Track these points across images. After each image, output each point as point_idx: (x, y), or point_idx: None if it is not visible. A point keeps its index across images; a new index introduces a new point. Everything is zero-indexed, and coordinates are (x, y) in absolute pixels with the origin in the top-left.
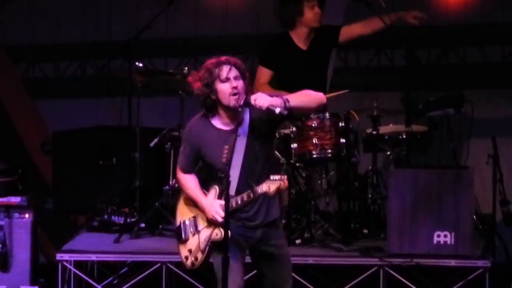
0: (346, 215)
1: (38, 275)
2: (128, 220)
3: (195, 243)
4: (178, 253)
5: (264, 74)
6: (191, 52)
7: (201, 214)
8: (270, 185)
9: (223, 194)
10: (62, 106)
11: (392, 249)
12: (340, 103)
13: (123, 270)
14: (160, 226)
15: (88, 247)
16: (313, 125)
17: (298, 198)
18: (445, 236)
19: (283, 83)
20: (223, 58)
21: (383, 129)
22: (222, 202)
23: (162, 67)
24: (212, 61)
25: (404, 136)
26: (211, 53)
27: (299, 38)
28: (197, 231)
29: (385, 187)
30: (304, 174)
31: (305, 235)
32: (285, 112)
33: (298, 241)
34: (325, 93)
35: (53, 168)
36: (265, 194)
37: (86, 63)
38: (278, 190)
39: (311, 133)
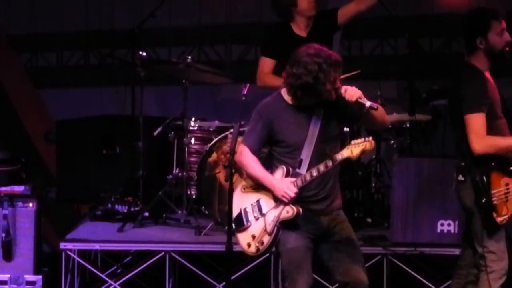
0: (349, 204)
1: (41, 264)
2: (132, 209)
3: (260, 227)
4: (236, 242)
5: (267, 64)
6: (195, 41)
7: (265, 197)
8: (353, 149)
9: (292, 173)
10: (65, 95)
11: (396, 238)
12: None
13: (126, 259)
14: (164, 215)
15: (92, 236)
16: None
17: None
18: (449, 225)
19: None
20: (336, 59)
21: None
22: (292, 179)
23: (166, 56)
24: (325, 56)
25: (407, 125)
26: (215, 42)
27: (299, 27)
28: (262, 214)
29: (388, 176)
30: None
31: None
32: (375, 107)
33: None
34: None
35: (56, 157)
36: (346, 160)
37: (90, 52)
38: (363, 153)
39: None
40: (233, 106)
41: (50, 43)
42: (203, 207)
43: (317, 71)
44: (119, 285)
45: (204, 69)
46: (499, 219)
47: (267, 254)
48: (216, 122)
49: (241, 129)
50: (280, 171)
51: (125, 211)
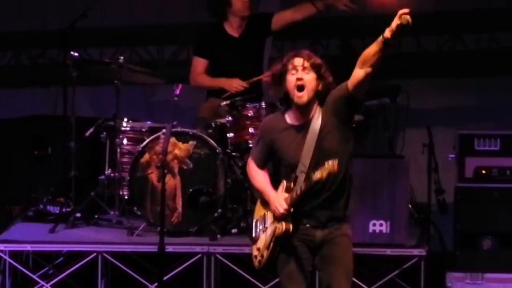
0: None
1: None
2: (64, 209)
3: (263, 240)
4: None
5: (199, 64)
6: (127, 41)
7: (270, 211)
8: (323, 172)
9: (290, 189)
10: None
11: None
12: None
13: (58, 260)
14: (96, 216)
15: (24, 237)
16: (249, 114)
17: (234, 187)
18: (381, 225)
19: (218, 72)
20: (300, 50)
21: None
22: (286, 195)
23: (98, 57)
24: (289, 53)
25: None
26: (147, 42)
27: (232, 27)
28: (265, 227)
29: None
30: (240, 164)
31: (242, 224)
32: None
33: (234, 231)
34: (260, 84)
35: None
36: (319, 181)
37: (21, 53)
38: (330, 174)
39: (247, 122)
40: (166, 106)
41: None
42: (135, 208)
43: (275, 67)
44: (51, 286)
45: (136, 70)
46: None
47: (199, 255)
48: (149, 122)
49: (173, 129)
50: (281, 186)
51: (57, 211)
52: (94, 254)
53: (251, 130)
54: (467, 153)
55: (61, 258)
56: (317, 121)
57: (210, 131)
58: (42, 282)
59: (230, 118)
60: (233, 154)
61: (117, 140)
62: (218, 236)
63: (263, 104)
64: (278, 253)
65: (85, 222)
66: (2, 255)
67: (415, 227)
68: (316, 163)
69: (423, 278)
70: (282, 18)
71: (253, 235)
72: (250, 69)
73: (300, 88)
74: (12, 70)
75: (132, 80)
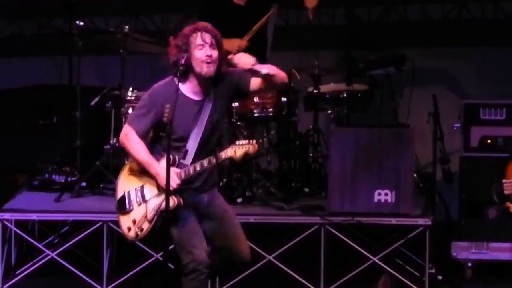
0: (287, 173)
1: None
2: (69, 179)
3: (141, 213)
4: (118, 225)
5: None
6: (132, 10)
7: (149, 183)
8: (236, 150)
9: (177, 163)
10: (2, 65)
11: (333, 208)
12: (281, 61)
13: (64, 229)
14: (101, 185)
15: (29, 206)
16: None
17: None
18: (386, 194)
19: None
20: (201, 25)
21: (324, 88)
22: (177, 170)
23: (103, 26)
24: (190, 27)
25: (345, 95)
26: (152, 11)
27: None
28: (144, 200)
29: (326, 146)
30: (245, 133)
31: (247, 193)
32: (270, 74)
33: (239, 200)
34: (265, 53)
35: None
36: (230, 159)
37: (27, 22)
38: (246, 155)
39: None
40: None
41: None
42: None
43: (178, 41)
44: (56, 255)
45: (141, 39)
46: None
47: None
48: None
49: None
50: (164, 160)
51: (63, 181)
52: (100, 224)
53: (256, 99)
54: (472, 123)
55: (67, 227)
56: (212, 99)
57: None
58: (47, 251)
59: None
60: (238, 123)
61: (122, 109)
62: None
63: None
64: (159, 226)
65: (90, 191)
66: (8, 224)
67: (420, 196)
68: (206, 140)
69: (428, 247)
70: None
71: (127, 207)
72: (254, 38)
73: (209, 62)
74: (18, 39)
75: (137, 50)
